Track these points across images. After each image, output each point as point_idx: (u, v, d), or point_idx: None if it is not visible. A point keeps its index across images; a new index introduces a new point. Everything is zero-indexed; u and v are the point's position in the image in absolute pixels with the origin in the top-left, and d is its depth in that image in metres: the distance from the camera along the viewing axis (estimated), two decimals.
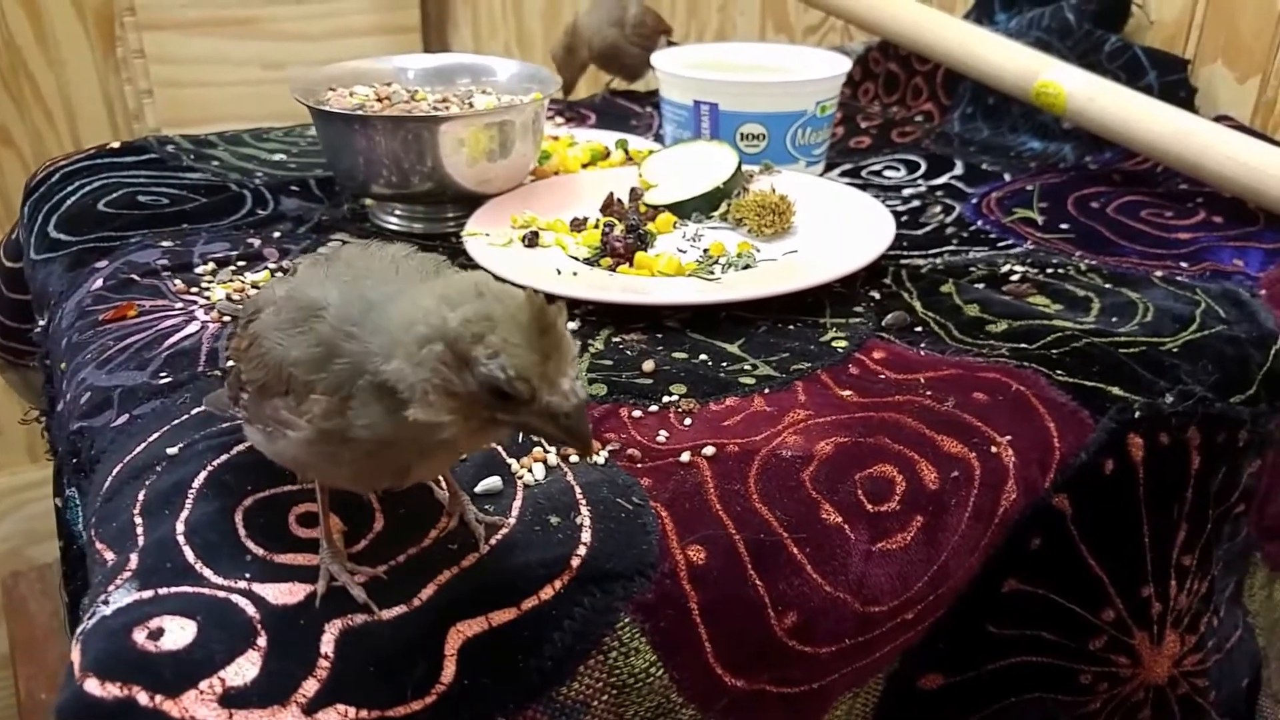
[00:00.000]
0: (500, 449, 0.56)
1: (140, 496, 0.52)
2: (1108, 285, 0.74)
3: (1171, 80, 0.93)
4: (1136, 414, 0.60)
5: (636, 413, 0.59)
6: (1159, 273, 0.75)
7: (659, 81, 0.95)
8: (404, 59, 0.91)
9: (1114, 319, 0.69)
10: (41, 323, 0.78)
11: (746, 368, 0.64)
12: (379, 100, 0.85)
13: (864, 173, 0.98)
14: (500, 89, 0.89)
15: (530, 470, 0.54)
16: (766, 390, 0.61)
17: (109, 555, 0.49)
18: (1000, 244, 0.81)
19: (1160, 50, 0.96)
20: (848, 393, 0.61)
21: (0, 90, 1.62)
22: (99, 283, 0.74)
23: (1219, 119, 0.90)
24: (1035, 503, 0.57)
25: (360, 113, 0.79)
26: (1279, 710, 0.77)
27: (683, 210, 0.81)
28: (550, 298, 0.40)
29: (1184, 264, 0.77)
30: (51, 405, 0.73)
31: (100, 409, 0.61)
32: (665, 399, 0.60)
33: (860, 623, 0.52)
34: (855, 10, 1.03)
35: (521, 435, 0.57)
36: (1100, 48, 0.96)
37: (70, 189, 0.89)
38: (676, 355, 0.65)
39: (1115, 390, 0.61)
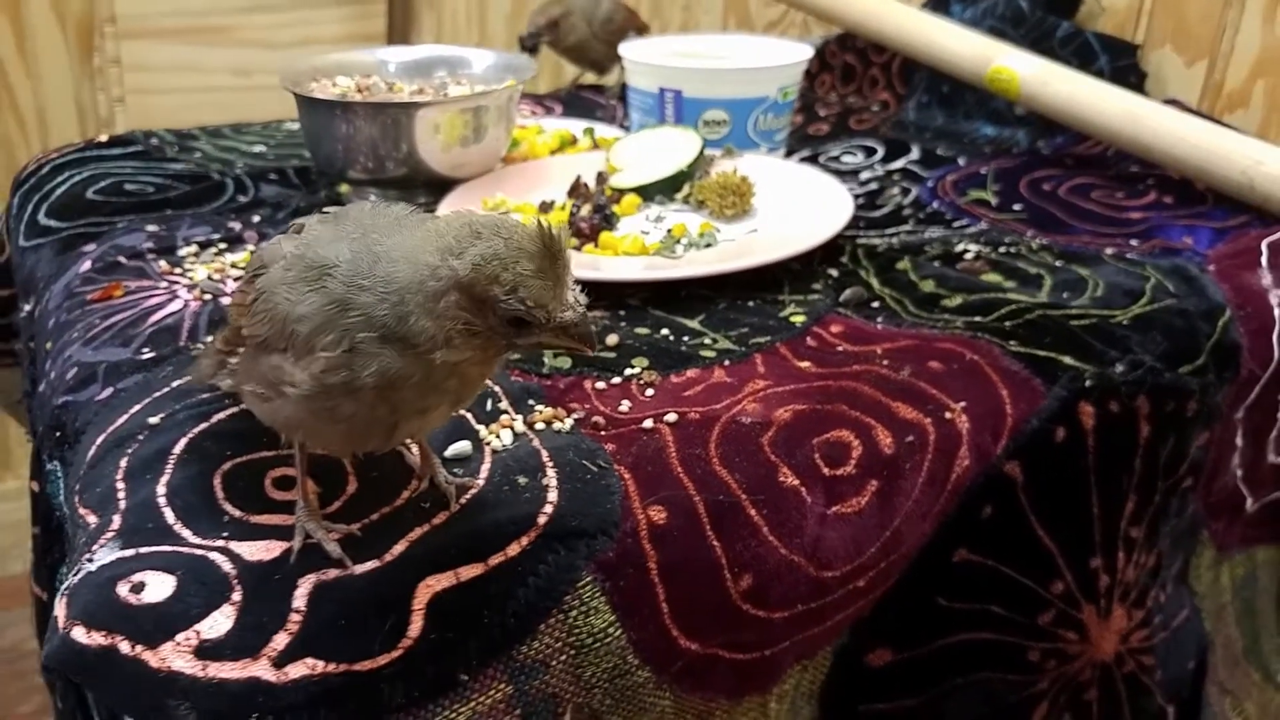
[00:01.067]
0: (469, 416, 0.57)
1: (123, 463, 0.54)
2: (1059, 263, 0.76)
3: (1122, 65, 0.96)
4: (1088, 382, 0.62)
5: (600, 384, 0.61)
6: (1109, 250, 0.78)
7: (626, 69, 0.97)
8: (386, 51, 0.94)
9: (1065, 294, 0.71)
10: (27, 308, 0.80)
11: (707, 342, 0.66)
12: (359, 90, 0.87)
13: (823, 158, 1.00)
14: (476, 79, 0.90)
15: (498, 436, 0.56)
16: (726, 362, 0.63)
17: (92, 519, 0.51)
18: (955, 224, 0.83)
19: (1111, 36, 0.98)
20: (806, 364, 0.63)
21: None
22: (87, 265, 0.75)
23: (1168, 102, 0.92)
24: (987, 469, 0.59)
25: (340, 100, 0.81)
26: (1224, 701, 0.77)
27: (647, 193, 0.83)
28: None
29: (1134, 241, 0.79)
30: (33, 386, 0.74)
31: (86, 384, 0.62)
32: (628, 371, 0.62)
33: (813, 588, 0.54)
34: (814, 2, 1.05)
35: (490, 402, 0.58)
36: (1052, 34, 0.99)
37: (60, 179, 0.91)
38: (639, 330, 0.67)
39: (1067, 359, 0.63)
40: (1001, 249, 0.78)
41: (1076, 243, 0.80)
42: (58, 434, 0.61)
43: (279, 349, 0.45)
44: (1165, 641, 0.70)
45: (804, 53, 0.94)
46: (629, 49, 0.96)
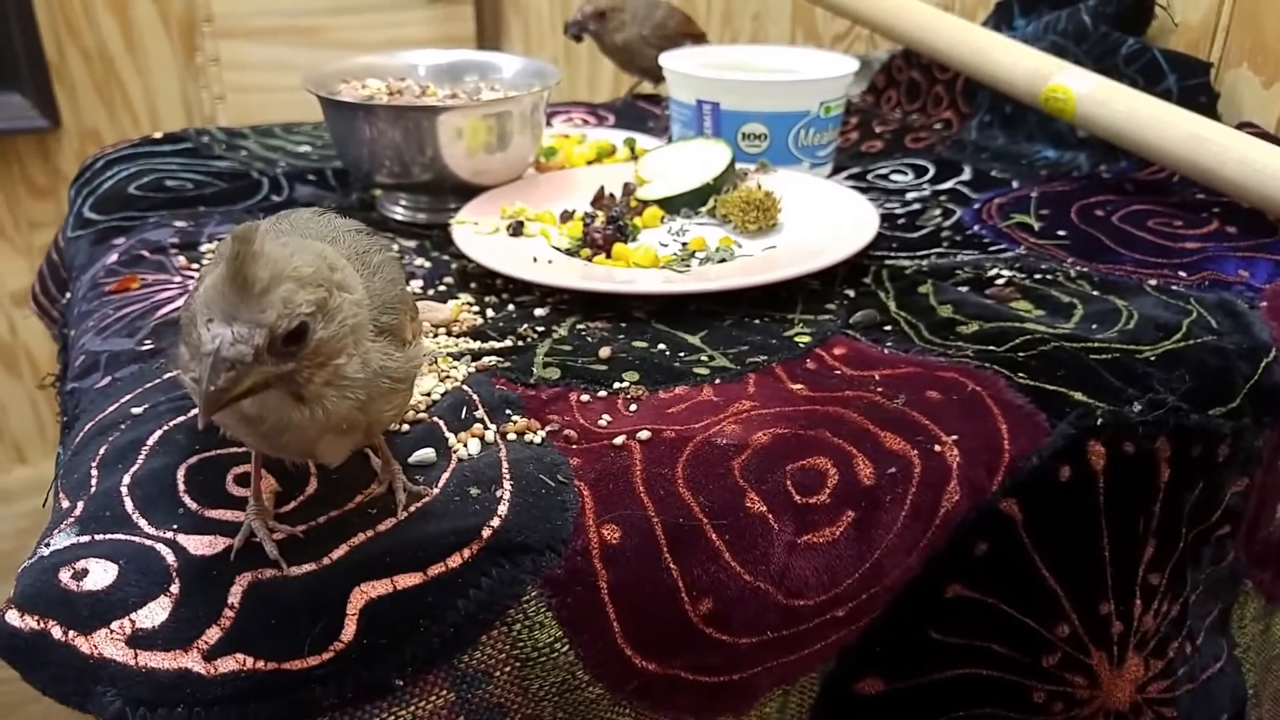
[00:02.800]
0: (441, 423, 0.57)
1: (101, 451, 0.55)
2: (1095, 292, 0.72)
3: (1192, 85, 0.91)
4: (1099, 420, 0.59)
5: (585, 397, 0.60)
6: (1153, 281, 0.74)
7: (666, 79, 0.96)
8: (415, 55, 0.94)
9: (1094, 325, 0.68)
10: (68, 296, 0.82)
11: (703, 359, 0.64)
12: (390, 94, 0.87)
13: (870, 176, 0.97)
14: (506, 85, 0.91)
15: (465, 445, 0.55)
16: (718, 381, 0.62)
17: (65, 503, 0.52)
18: (992, 248, 0.80)
19: (1180, 53, 0.93)
20: (799, 386, 0.61)
21: (94, 95, 1.71)
22: (114, 257, 0.78)
23: (1241, 126, 0.87)
24: (981, 505, 0.56)
25: (363, 102, 0.82)
26: None
27: (672, 205, 0.82)
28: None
29: (1182, 273, 0.75)
30: (63, 372, 0.76)
31: (89, 372, 0.64)
32: (616, 385, 0.61)
33: (783, 615, 0.52)
34: (873, 16, 1.03)
35: (465, 410, 0.58)
36: (1116, 51, 0.94)
37: (110, 174, 0.94)
38: (636, 344, 0.66)
39: (1078, 395, 0.60)
40: (1036, 276, 0.75)
41: (1118, 272, 0.76)
42: (64, 420, 0.63)
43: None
44: (1191, 694, 0.66)
45: (848, 67, 0.92)
46: (669, 58, 0.95)
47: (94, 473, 0.53)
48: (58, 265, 0.91)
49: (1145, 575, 0.61)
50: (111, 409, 0.59)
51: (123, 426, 0.57)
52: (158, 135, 1.04)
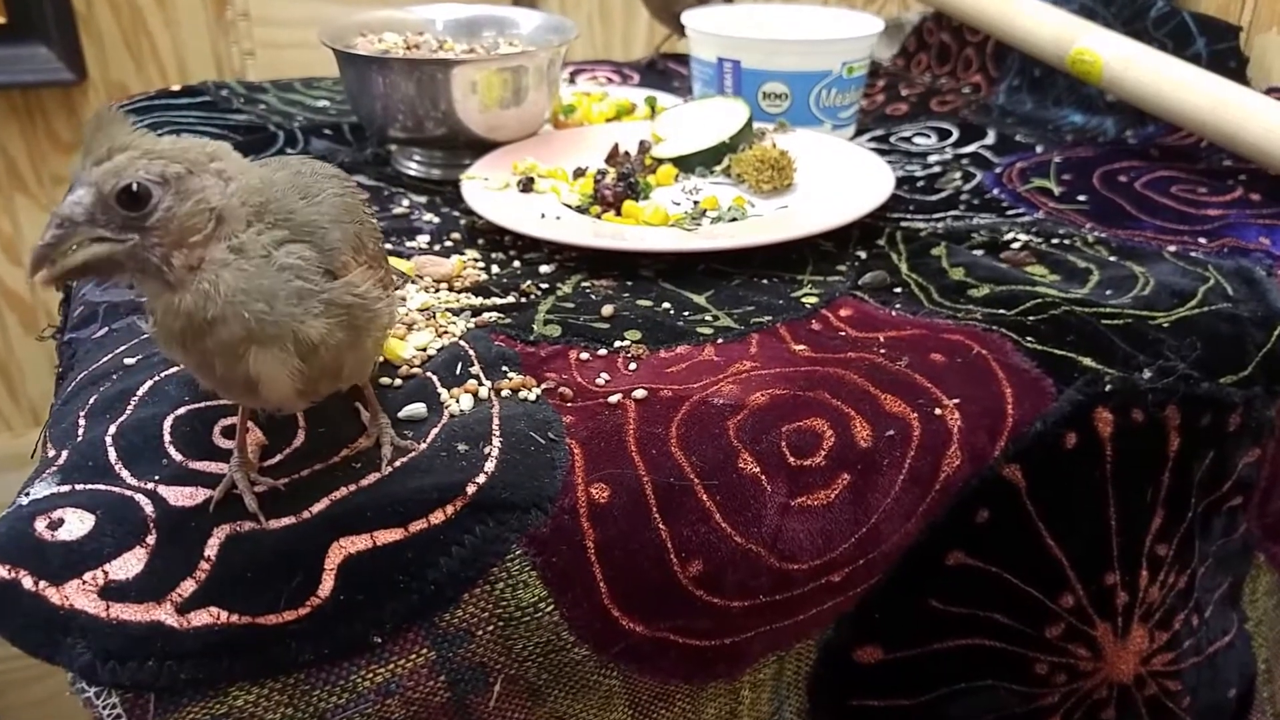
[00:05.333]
0: (435, 378, 0.56)
1: (91, 401, 0.55)
2: (1112, 258, 0.70)
3: (1221, 49, 0.88)
4: (1107, 387, 0.57)
5: (585, 355, 0.59)
6: (1172, 248, 0.72)
7: (688, 38, 0.95)
8: (432, 9, 0.92)
9: (1108, 291, 0.66)
10: None
11: (707, 318, 0.63)
12: (408, 48, 0.86)
13: (893, 138, 0.95)
14: (524, 40, 0.89)
15: (458, 401, 0.54)
16: (720, 340, 0.60)
17: (51, 452, 0.52)
18: (1009, 212, 0.78)
19: (1210, 17, 0.90)
20: (801, 347, 0.60)
21: (122, 48, 1.70)
22: None
23: (1270, 91, 0.85)
24: (982, 471, 0.55)
25: (377, 55, 0.80)
26: None
27: (686, 164, 0.81)
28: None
29: (1202, 240, 0.73)
30: (64, 324, 0.76)
31: (87, 322, 0.64)
32: (617, 344, 0.60)
33: (776, 579, 0.51)
34: None
35: (460, 365, 0.57)
36: (1146, 14, 0.91)
37: None
38: (641, 303, 0.65)
39: (1086, 361, 0.59)
40: (1054, 240, 0.73)
41: (1138, 238, 0.74)
42: (59, 370, 0.63)
43: None
44: (1197, 667, 0.65)
45: (872, 27, 0.90)
46: (691, 16, 0.93)
47: (81, 422, 0.53)
48: None
49: (1152, 546, 0.60)
50: (105, 359, 0.58)
51: (114, 377, 0.56)
52: (175, 88, 1.03)
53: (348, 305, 0.44)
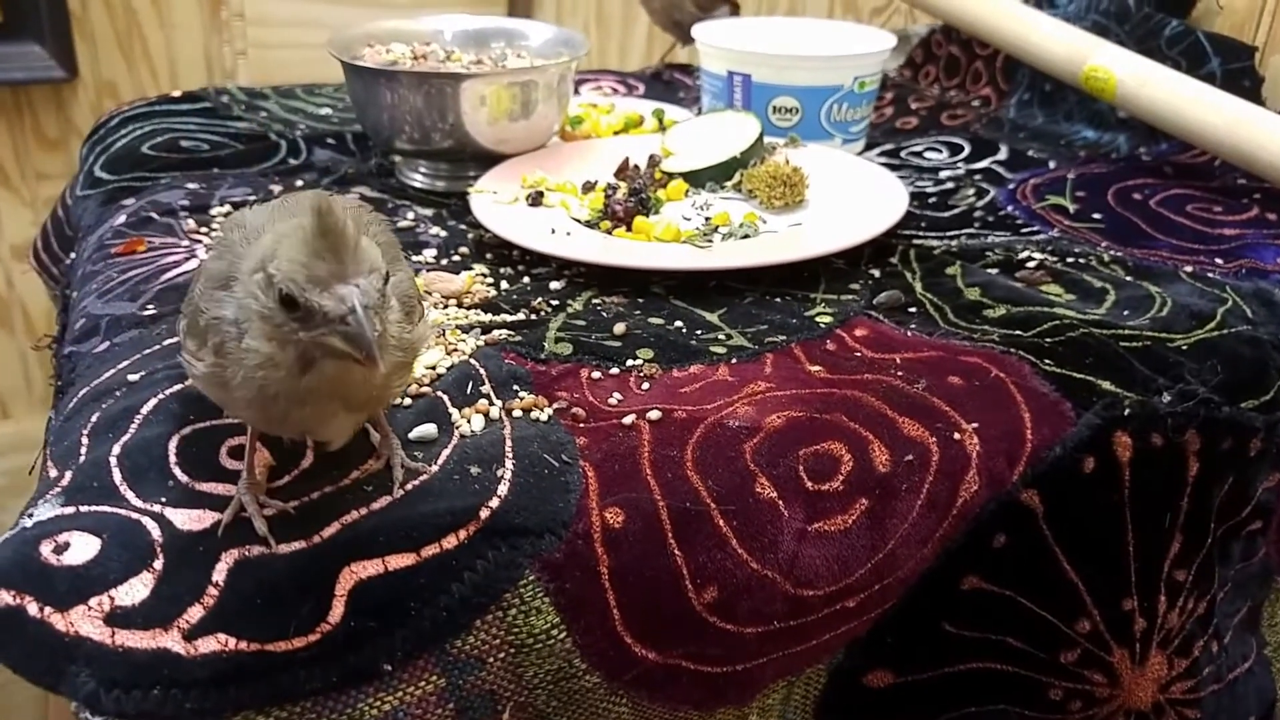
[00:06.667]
0: (445, 398, 0.55)
1: (94, 418, 0.54)
2: (1129, 278, 0.70)
3: (1236, 68, 0.88)
4: (1126, 411, 0.56)
5: (596, 374, 0.58)
6: (1188, 268, 0.71)
7: (699, 51, 0.94)
8: (441, 19, 0.91)
9: (1125, 312, 0.65)
10: (72, 256, 0.81)
11: (720, 337, 0.62)
12: (415, 59, 0.85)
13: (904, 153, 0.95)
14: (533, 53, 0.88)
15: (469, 421, 0.53)
16: (734, 360, 0.59)
17: (54, 473, 0.51)
18: (1024, 230, 0.77)
19: (1224, 36, 0.90)
20: (817, 368, 0.59)
21: (114, 48, 1.69)
22: (121, 219, 0.76)
23: None
24: (1000, 496, 0.54)
25: (385, 68, 0.80)
26: None
27: (697, 179, 0.80)
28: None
29: (1219, 260, 0.72)
30: (61, 334, 0.75)
31: (89, 335, 0.63)
32: (630, 362, 0.59)
33: (791, 605, 0.50)
34: None
35: (471, 385, 0.56)
36: (1159, 32, 0.91)
37: (124, 132, 0.92)
38: (653, 320, 0.64)
39: (1105, 384, 0.58)
40: (1069, 259, 0.73)
41: (1154, 257, 0.73)
42: (58, 384, 0.62)
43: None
44: (1216, 695, 0.64)
45: (883, 42, 0.89)
46: (701, 30, 0.93)
47: (84, 441, 0.52)
48: (63, 224, 0.89)
49: (1171, 571, 0.59)
50: (108, 374, 0.57)
51: (117, 393, 0.55)
52: (176, 94, 1.02)
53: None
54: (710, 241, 0.72)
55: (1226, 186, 0.84)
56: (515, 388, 0.56)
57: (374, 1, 1.69)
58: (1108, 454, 0.56)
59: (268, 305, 0.39)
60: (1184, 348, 0.61)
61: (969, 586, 0.55)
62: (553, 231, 0.72)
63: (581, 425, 0.53)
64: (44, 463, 0.53)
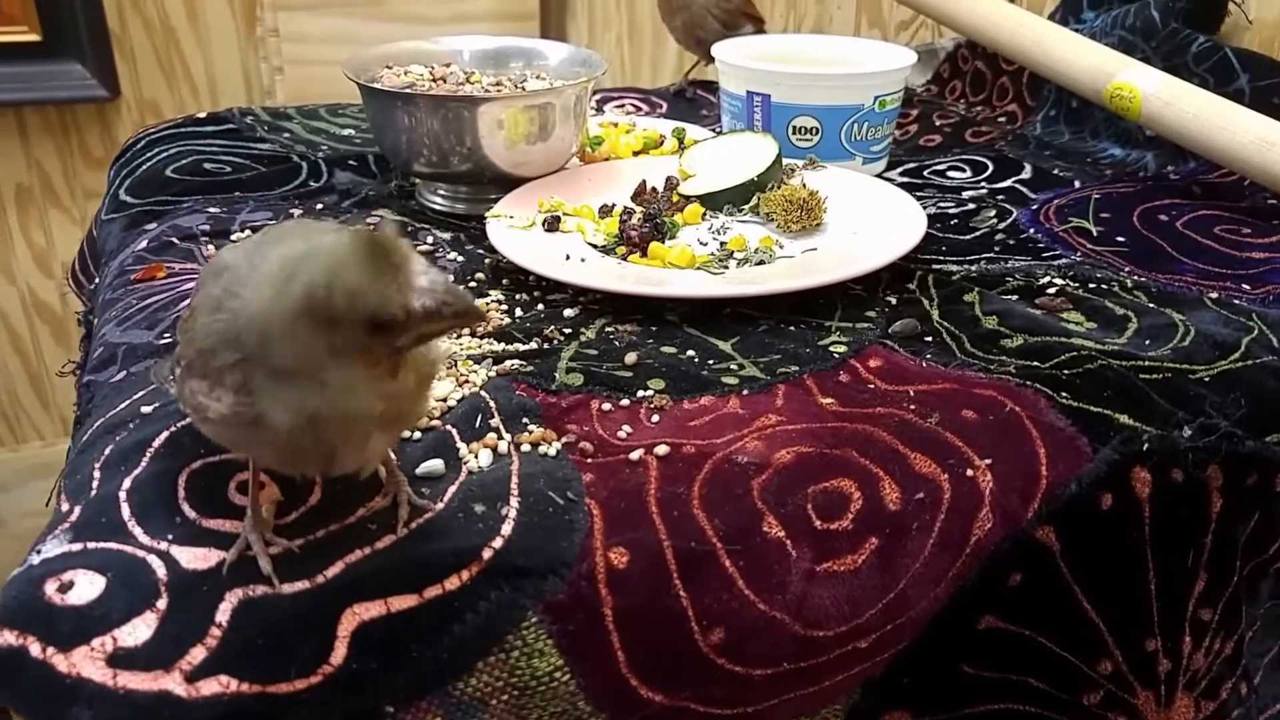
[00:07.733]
0: (454, 432, 0.55)
1: (107, 451, 0.54)
2: (1152, 305, 0.68)
3: (1265, 85, 0.86)
4: (1144, 446, 0.55)
5: (607, 405, 0.58)
6: (1214, 294, 0.70)
7: (718, 70, 0.93)
8: (459, 40, 0.91)
9: (1147, 341, 0.64)
10: (97, 281, 0.81)
11: (733, 367, 0.61)
12: (434, 80, 0.85)
13: (926, 172, 0.94)
14: (551, 73, 0.88)
15: (476, 456, 0.53)
16: (745, 391, 0.59)
17: (65, 506, 0.51)
18: (1045, 254, 0.76)
19: (1254, 52, 0.88)
20: (829, 400, 0.58)
21: (154, 66, 1.71)
22: (143, 244, 0.76)
23: None
24: (1015, 535, 0.53)
25: (402, 90, 0.80)
26: None
27: (714, 202, 0.79)
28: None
29: (1245, 286, 0.71)
30: (84, 361, 0.76)
31: (106, 364, 0.63)
32: (640, 393, 0.59)
33: (800, 646, 0.50)
34: (936, 5, 0.99)
35: (480, 418, 0.56)
36: (1186, 49, 0.89)
37: (150, 155, 0.93)
38: (665, 349, 0.63)
39: (1123, 418, 0.57)
40: (1091, 285, 0.71)
41: (1178, 282, 0.72)
42: (77, 413, 0.62)
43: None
44: None
45: (904, 60, 0.88)
46: (720, 49, 0.92)
47: (96, 474, 0.52)
48: (93, 247, 0.90)
49: (1196, 610, 0.58)
50: (122, 406, 0.57)
51: (130, 426, 0.55)
52: (201, 115, 1.03)
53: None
54: (725, 267, 0.71)
55: (1256, 207, 0.82)
56: (525, 420, 0.56)
57: (408, 17, 1.70)
58: (1126, 490, 0.55)
59: (346, 340, 0.40)
60: (1206, 379, 0.60)
61: (986, 626, 0.54)
62: (567, 258, 0.72)
63: (589, 460, 0.53)
64: (58, 495, 0.53)
